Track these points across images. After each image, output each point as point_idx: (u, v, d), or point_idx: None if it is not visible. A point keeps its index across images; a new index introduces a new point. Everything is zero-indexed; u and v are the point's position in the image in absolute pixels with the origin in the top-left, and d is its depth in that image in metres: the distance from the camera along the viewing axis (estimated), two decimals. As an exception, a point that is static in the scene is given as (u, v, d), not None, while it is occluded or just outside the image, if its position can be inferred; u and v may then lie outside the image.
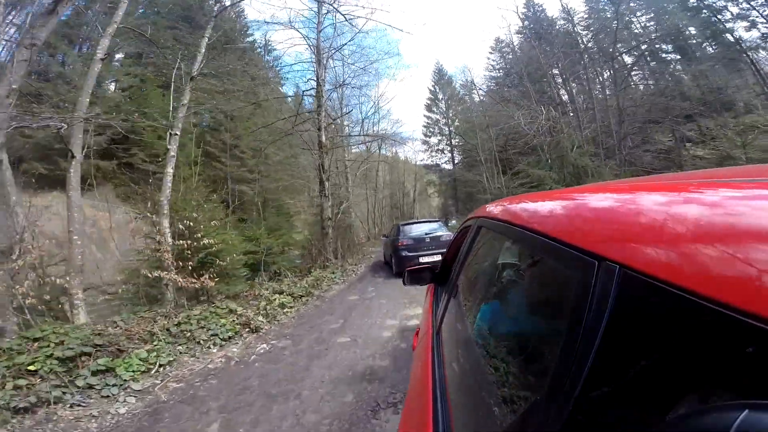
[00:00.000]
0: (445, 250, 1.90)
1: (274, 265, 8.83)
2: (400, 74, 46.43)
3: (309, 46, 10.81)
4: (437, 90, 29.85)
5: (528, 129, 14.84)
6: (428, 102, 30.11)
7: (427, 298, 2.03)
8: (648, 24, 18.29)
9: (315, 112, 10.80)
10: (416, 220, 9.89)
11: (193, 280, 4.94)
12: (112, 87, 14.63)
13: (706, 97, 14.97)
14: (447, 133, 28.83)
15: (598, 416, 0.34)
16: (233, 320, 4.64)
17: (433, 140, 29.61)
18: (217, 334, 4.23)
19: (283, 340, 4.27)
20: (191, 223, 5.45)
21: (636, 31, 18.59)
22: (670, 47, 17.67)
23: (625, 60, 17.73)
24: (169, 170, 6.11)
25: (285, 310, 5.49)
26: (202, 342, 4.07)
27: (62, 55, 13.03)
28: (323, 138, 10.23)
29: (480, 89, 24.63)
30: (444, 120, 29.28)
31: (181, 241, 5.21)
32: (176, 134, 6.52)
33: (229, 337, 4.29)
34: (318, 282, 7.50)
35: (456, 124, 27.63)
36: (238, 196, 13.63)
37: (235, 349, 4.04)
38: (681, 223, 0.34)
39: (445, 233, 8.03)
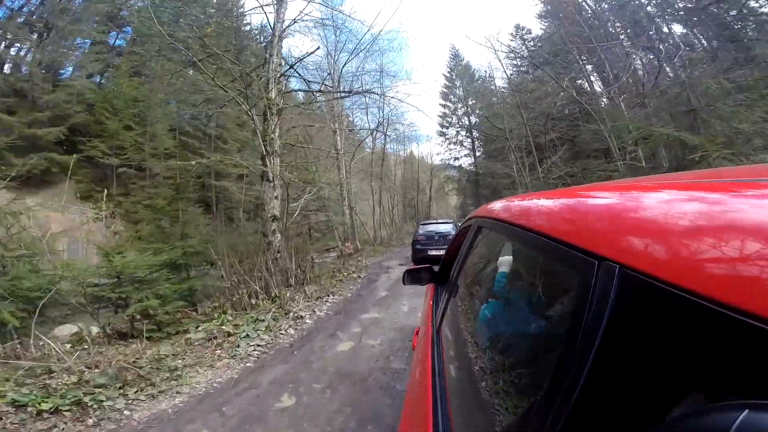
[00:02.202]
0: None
1: (139, 304, 4.24)
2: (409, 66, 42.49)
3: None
4: (453, 76, 26.62)
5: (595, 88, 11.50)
6: (444, 90, 26.69)
7: (427, 298, 2.03)
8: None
9: (263, 61, 7.43)
10: (434, 221, 11.44)
11: None
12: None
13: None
14: (466, 123, 25.60)
15: (598, 416, 0.34)
16: None
17: (451, 132, 26.47)
18: None
19: None
20: None
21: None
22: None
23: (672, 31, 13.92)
24: None
25: None
26: None
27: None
28: (273, 93, 6.83)
29: (518, 52, 20.01)
30: (462, 108, 25.89)
31: None
32: None
33: None
34: (168, 362, 3.34)
35: (478, 111, 24.04)
36: (215, 193, 12.21)
37: None
38: (681, 223, 0.34)
39: (454, 232, 8.89)
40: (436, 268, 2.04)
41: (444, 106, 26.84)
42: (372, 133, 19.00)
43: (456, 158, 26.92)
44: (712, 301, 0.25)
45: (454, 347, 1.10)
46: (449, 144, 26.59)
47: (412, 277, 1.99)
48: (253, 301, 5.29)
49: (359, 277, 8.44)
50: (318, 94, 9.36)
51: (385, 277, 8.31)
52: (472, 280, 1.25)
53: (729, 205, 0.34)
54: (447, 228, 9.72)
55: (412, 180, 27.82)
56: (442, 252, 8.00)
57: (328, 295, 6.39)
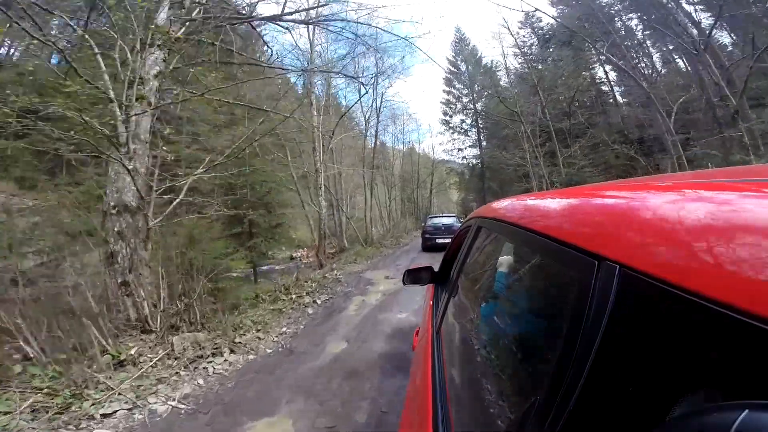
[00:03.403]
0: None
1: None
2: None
3: None
4: (458, 61, 24.99)
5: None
6: (448, 75, 25.08)
7: (427, 298, 2.04)
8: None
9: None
10: (440, 215, 13.50)
11: None
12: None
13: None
14: (472, 109, 23.91)
15: (598, 416, 0.34)
16: None
17: (456, 119, 24.77)
18: None
19: None
20: None
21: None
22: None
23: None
24: None
25: None
26: None
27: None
28: (161, 17, 4.73)
29: (540, 10, 17.63)
30: (468, 95, 24.22)
31: None
32: None
33: None
34: None
35: (486, 95, 22.30)
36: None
37: None
38: (681, 222, 0.34)
39: (457, 224, 10.71)
40: (436, 267, 2.05)
41: (448, 92, 25.25)
42: (360, 101, 15.70)
43: (459, 149, 25.40)
44: (712, 301, 0.25)
45: (454, 347, 1.10)
46: (453, 133, 25.10)
47: (412, 277, 2.00)
48: (20, 373, 2.53)
49: (314, 302, 5.14)
50: (257, 23, 5.88)
51: (358, 302, 4.99)
52: (472, 280, 1.25)
53: (730, 205, 0.34)
54: (450, 221, 11.82)
55: (412, 173, 26.81)
56: (446, 240, 9.26)
57: (222, 351, 3.37)
